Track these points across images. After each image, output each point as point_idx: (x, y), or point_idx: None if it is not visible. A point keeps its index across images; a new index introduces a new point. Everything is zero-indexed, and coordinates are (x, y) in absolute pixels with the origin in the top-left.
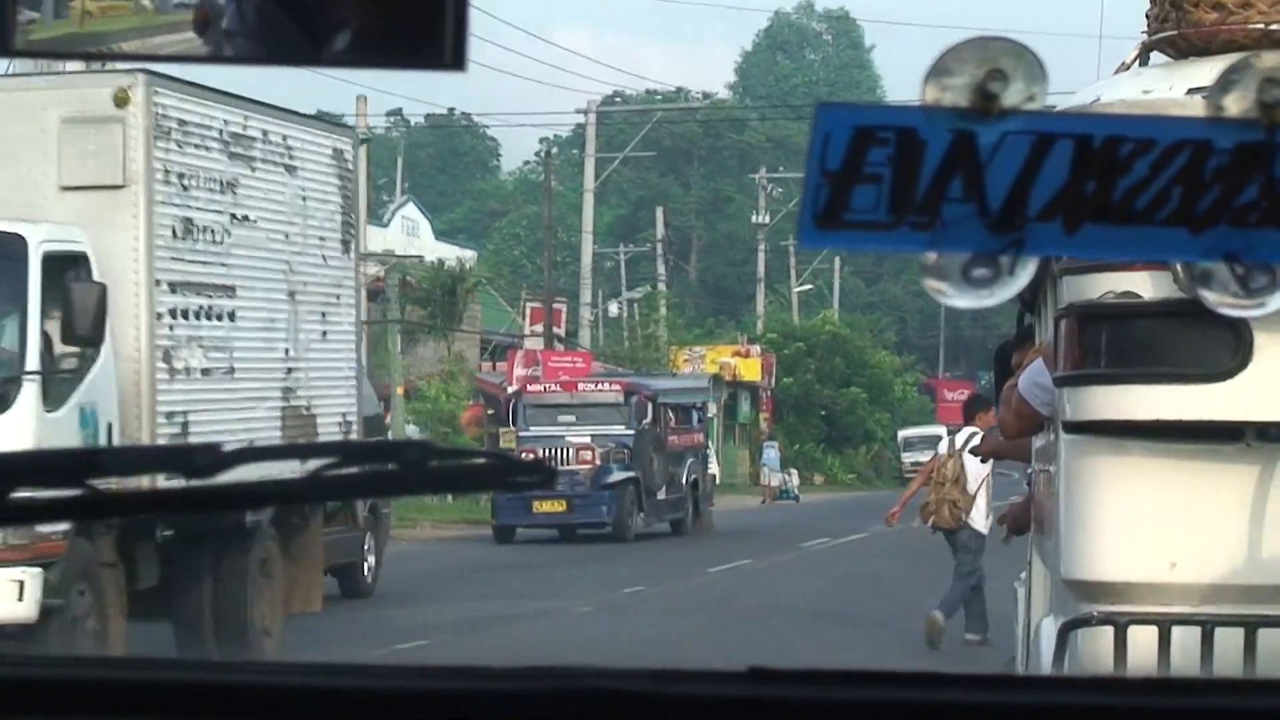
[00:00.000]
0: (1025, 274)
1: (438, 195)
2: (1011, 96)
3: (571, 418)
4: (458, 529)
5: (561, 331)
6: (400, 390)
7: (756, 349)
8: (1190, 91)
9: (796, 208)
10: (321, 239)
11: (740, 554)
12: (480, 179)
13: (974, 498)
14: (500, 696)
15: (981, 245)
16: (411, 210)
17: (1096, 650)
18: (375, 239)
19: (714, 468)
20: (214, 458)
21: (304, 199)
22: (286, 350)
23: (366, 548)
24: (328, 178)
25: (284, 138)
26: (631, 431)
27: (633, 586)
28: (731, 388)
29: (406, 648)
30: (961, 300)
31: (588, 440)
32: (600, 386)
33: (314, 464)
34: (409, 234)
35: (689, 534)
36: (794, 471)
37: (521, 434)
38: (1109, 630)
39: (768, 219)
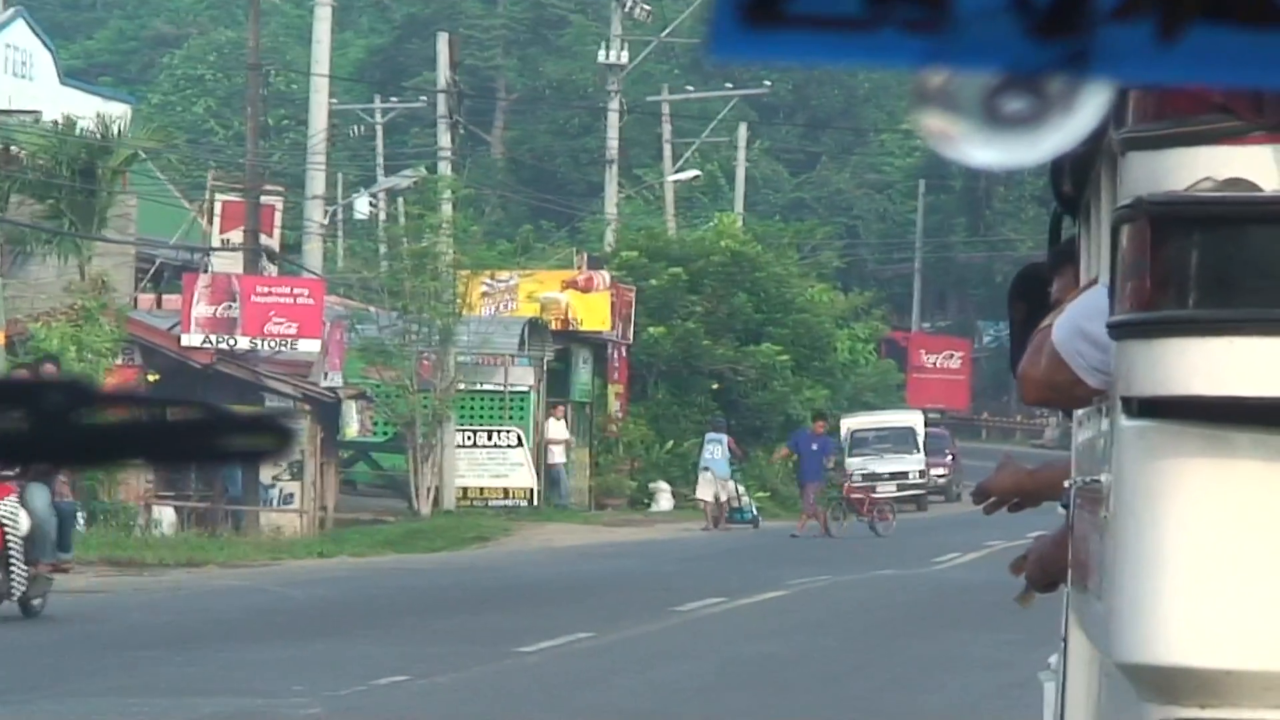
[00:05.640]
0: (1090, 112)
1: (66, 10)
2: None
3: None
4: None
5: (275, 243)
6: None
7: (604, 276)
8: None
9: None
10: None
11: (571, 624)
12: None
13: None
14: None
15: (1019, 57)
16: (21, 34)
17: None
18: None
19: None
20: None
21: None
22: None
23: None
24: None
25: None
26: None
27: (392, 675)
28: (561, 341)
29: None
30: (984, 153)
31: None
32: None
33: None
34: (17, 75)
35: None
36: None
37: None
38: None
39: (625, 56)
